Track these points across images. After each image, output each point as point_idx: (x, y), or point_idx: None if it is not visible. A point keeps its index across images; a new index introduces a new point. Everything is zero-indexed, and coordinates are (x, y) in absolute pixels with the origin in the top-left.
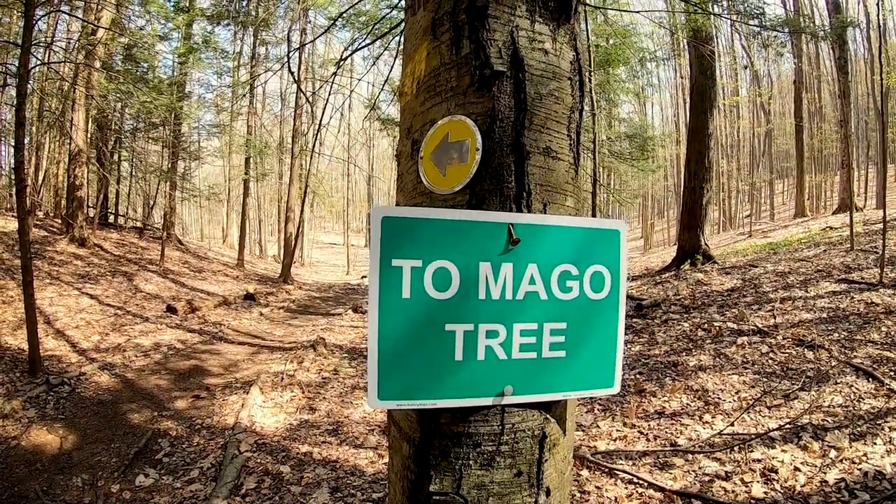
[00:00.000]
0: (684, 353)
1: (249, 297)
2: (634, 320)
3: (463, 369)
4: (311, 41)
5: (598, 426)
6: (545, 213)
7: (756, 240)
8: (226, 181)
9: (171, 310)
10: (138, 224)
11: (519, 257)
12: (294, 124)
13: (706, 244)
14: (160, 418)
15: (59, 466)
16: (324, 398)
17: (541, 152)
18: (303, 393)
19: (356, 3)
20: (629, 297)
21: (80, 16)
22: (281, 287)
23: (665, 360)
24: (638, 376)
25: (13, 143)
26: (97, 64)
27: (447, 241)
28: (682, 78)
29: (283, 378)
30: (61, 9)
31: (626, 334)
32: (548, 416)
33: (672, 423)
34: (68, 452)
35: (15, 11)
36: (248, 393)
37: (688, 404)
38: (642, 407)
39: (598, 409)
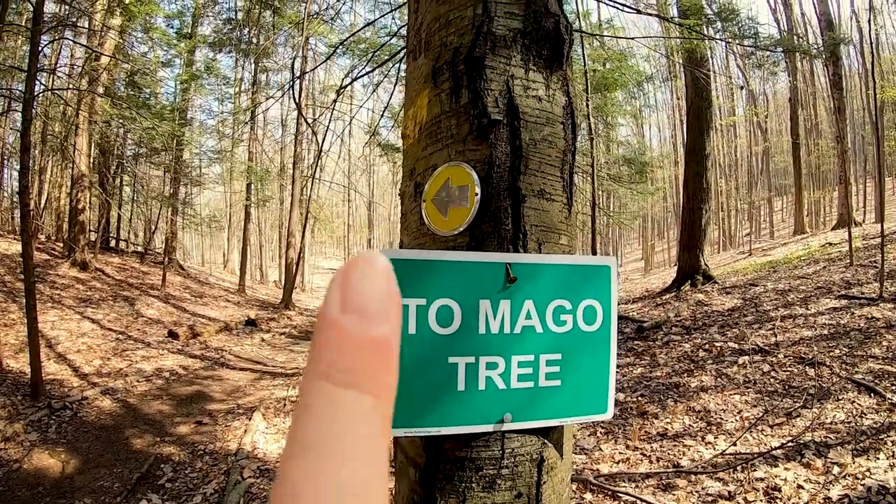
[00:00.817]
0: (686, 375)
1: (251, 323)
2: (636, 342)
3: (465, 398)
4: (312, 69)
5: (600, 449)
6: (540, 252)
7: (756, 258)
8: (227, 207)
9: (172, 335)
10: (140, 249)
11: (516, 294)
12: (295, 150)
13: (706, 264)
14: (162, 443)
15: (61, 491)
16: None
17: (536, 195)
18: None
19: (356, 32)
20: (630, 319)
21: (85, 42)
22: (282, 313)
23: (667, 381)
24: (640, 398)
25: (18, 168)
26: (100, 89)
27: (449, 281)
28: (678, 99)
29: (285, 404)
30: (66, 36)
31: (627, 357)
32: (545, 441)
33: (675, 445)
34: (70, 476)
35: (21, 37)
36: (250, 419)
37: (690, 425)
38: (645, 429)
39: (600, 433)
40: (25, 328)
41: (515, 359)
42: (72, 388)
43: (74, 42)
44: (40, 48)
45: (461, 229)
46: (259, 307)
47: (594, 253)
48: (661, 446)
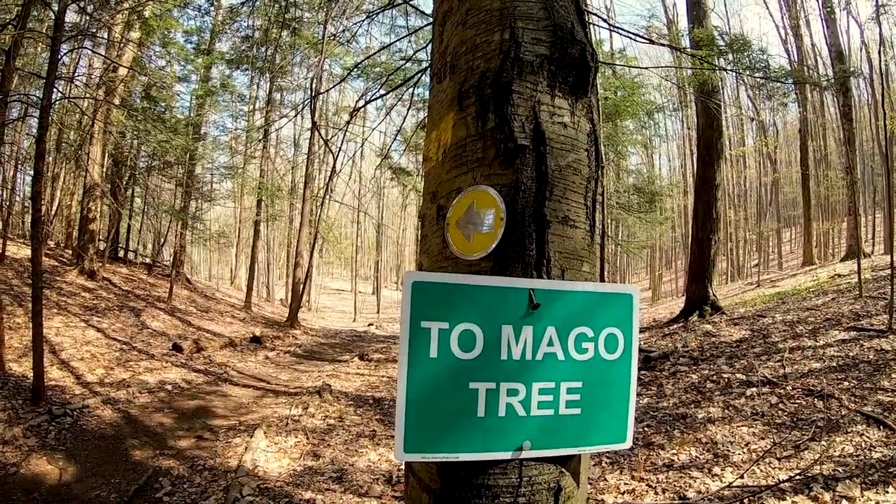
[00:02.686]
0: (693, 406)
1: (255, 340)
2: (642, 372)
3: (484, 425)
4: (328, 90)
5: (605, 479)
6: (563, 278)
7: (764, 289)
8: (236, 223)
9: (177, 348)
10: (148, 260)
11: (539, 320)
12: (307, 170)
13: (714, 295)
14: (162, 456)
15: (57, 498)
16: (328, 445)
17: (560, 221)
18: (307, 439)
19: (373, 55)
20: (640, 350)
21: (103, 52)
22: (288, 331)
23: (673, 412)
24: (646, 429)
25: (32, 173)
26: (116, 101)
27: (472, 305)
28: (688, 129)
29: (287, 423)
30: (85, 45)
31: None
32: (563, 469)
33: (681, 476)
34: (68, 484)
35: (40, 44)
36: (252, 436)
37: (697, 457)
38: (651, 460)
39: (605, 463)
40: (30, 332)
41: (536, 386)
42: (73, 396)
43: (93, 52)
44: (60, 56)
45: (485, 254)
46: (264, 325)
47: (602, 280)
48: (667, 477)
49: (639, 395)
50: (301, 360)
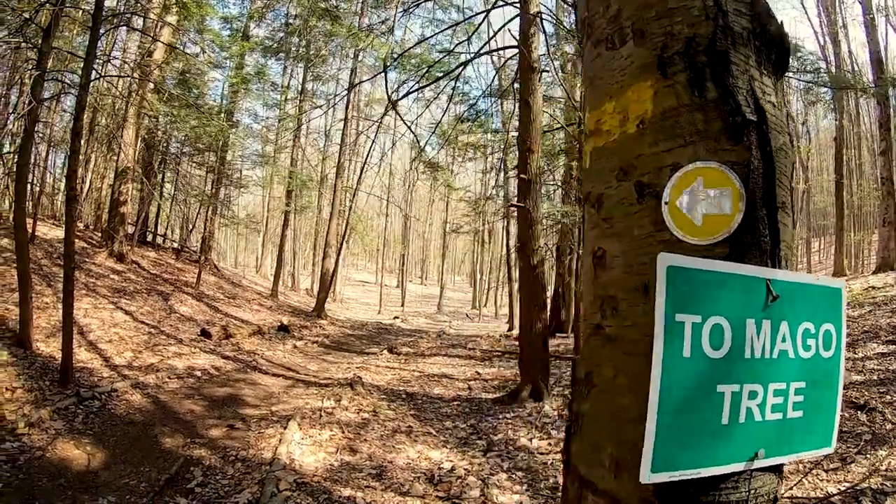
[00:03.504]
0: None
1: (283, 329)
2: None
3: (727, 434)
4: (360, 82)
5: None
6: (786, 268)
7: None
8: (265, 211)
9: (205, 334)
10: (176, 245)
11: (774, 314)
12: (339, 160)
13: None
14: (193, 445)
15: (84, 485)
16: (365, 440)
17: (780, 206)
18: (342, 432)
19: (413, 46)
20: None
21: (140, 35)
22: (315, 321)
23: None
24: None
25: (64, 154)
26: (150, 85)
27: (720, 296)
28: None
29: (321, 415)
30: (122, 26)
31: None
32: (778, 478)
33: None
34: (95, 471)
35: (77, 25)
36: (285, 428)
37: None
38: None
39: None
40: (59, 312)
41: (772, 387)
42: (101, 379)
43: (130, 28)
44: (99, 35)
45: (720, 238)
46: (291, 314)
47: None
48: None
49: None
50: (329, 351)
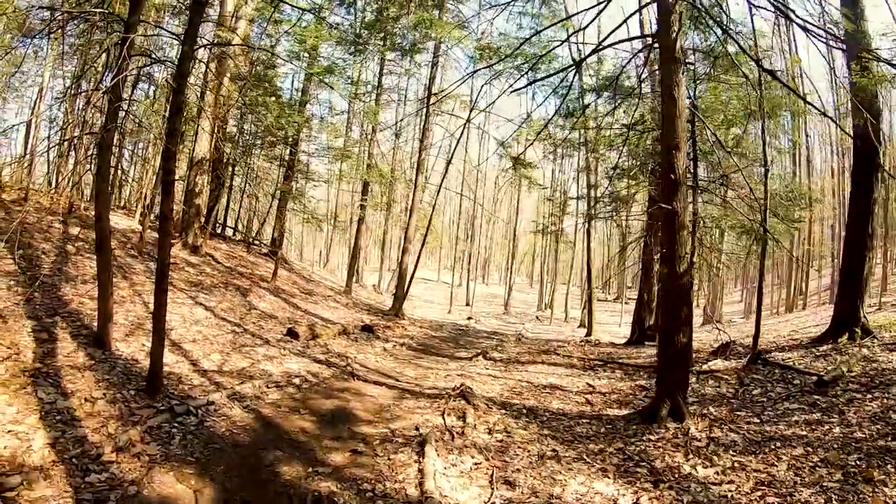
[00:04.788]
0: (891, 438)
1: (367, 329)
2: (815, 397)
3: None
4: (456, 84)
5: None
6: None
7: (886, 312)
8: (331, 205)
9: (292, 334)
10: (248, 238)
11: None
12: (420, 156)
13: (865, 317)
14: (317, 476)
15: None
16: (515, 469)
17: None
18: (486, 459)
19: (522, 43)
20: (795, 370)
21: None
22: (396, 321)
23: (873, 444)
24: (858, 462)
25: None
26: (227, 76)
27: None
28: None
29: (452, 437)
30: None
31: (812, 412)
32: None
33: None
34: None
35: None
36: (420, 454)
37: None
38: (882, 497)
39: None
40: (136, 307)
41: None
42: (192, 387)
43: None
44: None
45: None
46: (368, 312)
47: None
48: None
49: (820, 422)
50: (420, 355)
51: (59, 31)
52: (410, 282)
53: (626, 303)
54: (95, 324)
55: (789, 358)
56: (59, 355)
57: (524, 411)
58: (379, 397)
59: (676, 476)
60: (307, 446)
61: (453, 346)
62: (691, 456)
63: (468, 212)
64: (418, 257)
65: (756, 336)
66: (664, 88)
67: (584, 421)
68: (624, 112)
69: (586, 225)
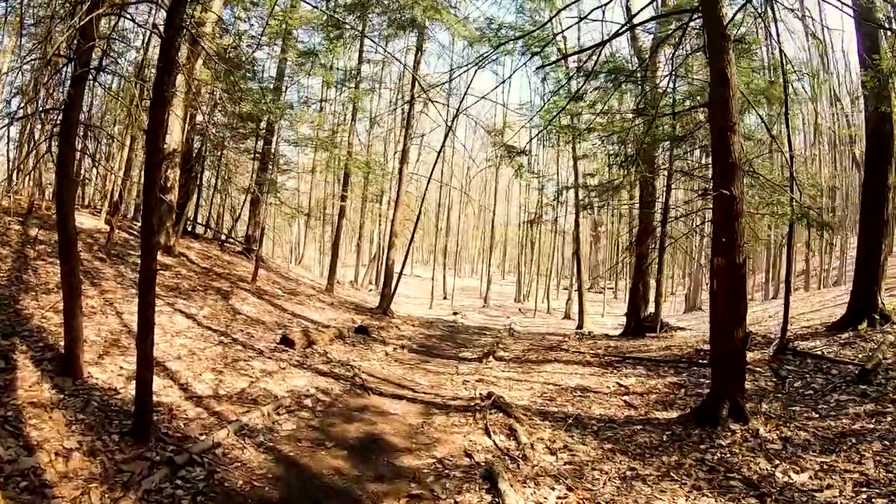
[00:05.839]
0: None
1: (362, 331)
2: (861, 387)
3: None
4: (458, 74)
5: None
6: None
7: None
8: (306, 198)
9: (286, 342)
10: (221, 236)
11: None
12: (404, 146)
13: (883, 303)
14: None
15: None
16: (608, 499)
17: None
18: (569, 490)
19: (544, 24)
20: (827, 359)
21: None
22: (387, 320)
23: None
24: None
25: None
26: (199, 61)
27: None
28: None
29: (517, 464)
30: None
31: (864, 402)
32: None
33: None
34: None
35: None
36: (496, 494)
37: None
38: None
39: None
40: (108, 319)
41: None
42: (188, 422)
43: None
44: None
45: None
46: (356, 311)
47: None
48: None
49: (882, 413)
50: (424, 358)
51: None
52: (399, 279)
53: (599, 293)
54: (62, 343)
55: (815, 347)
56: (18, 390)
57: (569, 421)
58: (404, 414)
59: (774, 486)
60: (350, 494)
61: (452, 345)
62: (777, 461)
63: (446, 203)
64: (407, 253)
65: (784, 325)
66: (714, 68)
67: (637, 428)
68: (628, 98)
69: (575, 215)
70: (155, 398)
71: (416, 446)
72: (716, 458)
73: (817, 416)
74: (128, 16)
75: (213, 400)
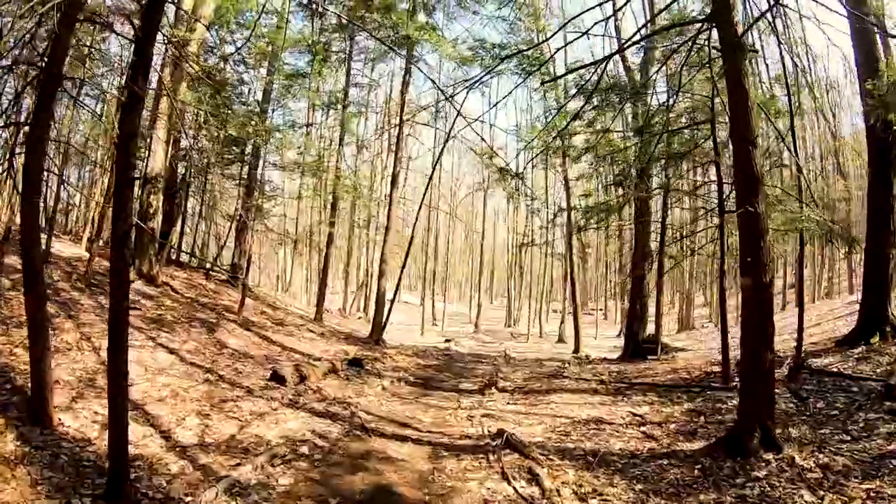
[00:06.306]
0: None
1: (356, 364)
2: (888, 403)
3: None
4: (455, 92)
5: None
6: None
7: None
8: (293, 224)
9: (277, 378)
10: (206, 264)
11: None
12: (394, 170)
13: (893, 315)
14: None
15: None
16: None
17: None
18: None
19: (555, 33)
20: (844, 375)
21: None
22: (380, 350)
23: None
24: None
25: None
26: (185, 83)
27: None
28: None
29: None
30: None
31: (895, 422)
32: None
33: None
34: None
35: None
36: None
37: None
38: None
39: None
40: (84, 356)
41: None
42: (172, 478)
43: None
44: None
45: None
46: (346, 341)
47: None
48: None
49: None
50: (424, 392)
51: None
52: (391, 307)
53: (589, 314)
54: (30, 385)
55: (830, 364)
56: None
57: (590, 458)
58: (411, 460)
59: None
60: None
61: (450, 375)
62: (821, 491)
63: (434, 228)
64: (399, 280)
65: (799, 343)
66: (730, 79)
67: (664, 463)
68: (621, 116)
69: (568, 238)
70: (134, 449)
71: (430, 497)
72: (755, 492)
73: (850, 438)
74: (99, 20)
75: (199, 450)
